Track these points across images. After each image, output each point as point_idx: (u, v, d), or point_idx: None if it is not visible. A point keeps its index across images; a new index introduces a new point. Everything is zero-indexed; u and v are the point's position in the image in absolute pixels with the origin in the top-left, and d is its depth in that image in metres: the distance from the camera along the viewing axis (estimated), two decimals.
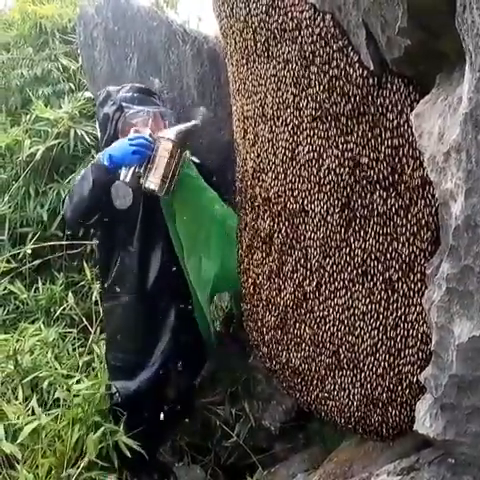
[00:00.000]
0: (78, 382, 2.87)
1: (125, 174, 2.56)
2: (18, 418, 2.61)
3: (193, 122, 2.65)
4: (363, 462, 2.35)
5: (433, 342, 1.66)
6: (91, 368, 3.08)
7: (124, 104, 2.75)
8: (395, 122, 1.84)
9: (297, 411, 3.02)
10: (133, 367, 2.83)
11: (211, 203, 2.71)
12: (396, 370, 2.02)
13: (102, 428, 2.65)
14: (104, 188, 2.60)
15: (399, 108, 1.83)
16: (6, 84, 4.44)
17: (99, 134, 2.97)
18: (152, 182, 2.53)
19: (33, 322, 3.49)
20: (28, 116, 4.01)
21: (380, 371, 2.06)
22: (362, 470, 2.28)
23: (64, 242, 3.76)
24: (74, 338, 3.40)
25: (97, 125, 2.99)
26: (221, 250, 2.71)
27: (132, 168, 2.57)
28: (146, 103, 2.80)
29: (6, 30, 4.78)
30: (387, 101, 1.84)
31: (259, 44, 2.15)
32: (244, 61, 2.26)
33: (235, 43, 2.27)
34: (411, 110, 1.77)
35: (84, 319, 3.42)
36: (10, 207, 3.90)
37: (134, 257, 2.78)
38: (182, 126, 2.61)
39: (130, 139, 2.57)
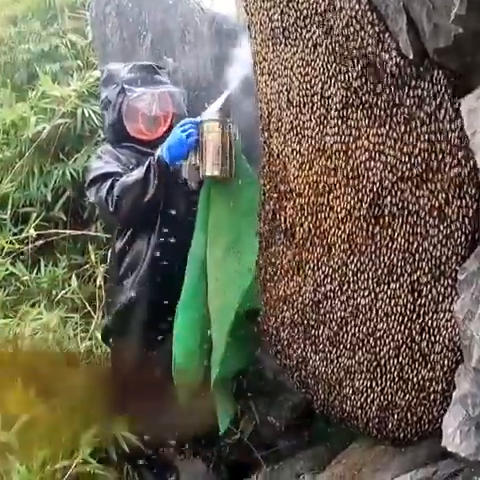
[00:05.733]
0: None
1: (185, 171, 2.56)
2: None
3: (226, 93, 2.55)
4: (374, 466, 2.29)
5: (474, 359, 1.59)
6: (92, 355, 3.07)
7: (126, 87, 2.67)
8: (432, 116, 1.76)
9: (303, 408, 2.98)
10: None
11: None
12: (419, 376, 1.95)
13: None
14: (167, 185, 2.58)
15: (437, 101, 1.74)
16: (12, 58, 4.43)
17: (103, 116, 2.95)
18: (211, 169, 2.49)
19: (34, 305, 3.50)
20: (34, 92, 4.00)
21: (402, 375, 2.00)
22: (372, 475, 2.25)
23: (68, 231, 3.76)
24: (76, 323, 3.39)
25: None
26: None
27: (188, 162, 2.53)
28: (151, 83, 2.73)
29: (13, 3, 4.76)
30: (425, 93, 1.75)
31: (287, 25, 2.06)
32: (270, 42, 2.16)
33: (261, 23, 2.17)
34: (451, 104, 1.69)
35: (87, 304, 3.40)
36: (13, 186, 3.88)
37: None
38: (218, 102, 2.53)
39: (181, 125, 2.53)
